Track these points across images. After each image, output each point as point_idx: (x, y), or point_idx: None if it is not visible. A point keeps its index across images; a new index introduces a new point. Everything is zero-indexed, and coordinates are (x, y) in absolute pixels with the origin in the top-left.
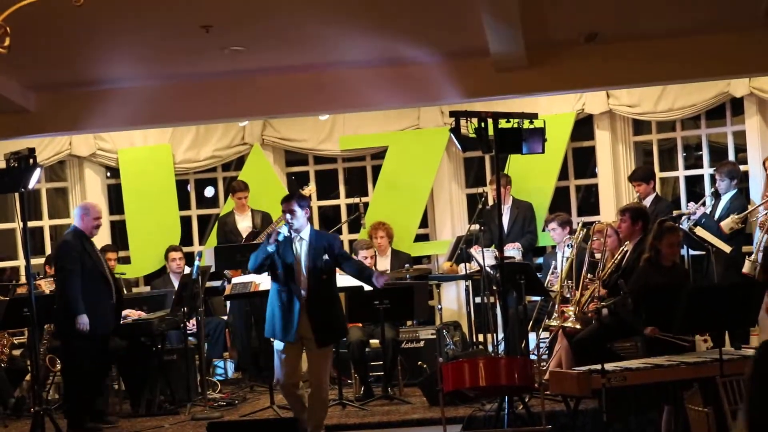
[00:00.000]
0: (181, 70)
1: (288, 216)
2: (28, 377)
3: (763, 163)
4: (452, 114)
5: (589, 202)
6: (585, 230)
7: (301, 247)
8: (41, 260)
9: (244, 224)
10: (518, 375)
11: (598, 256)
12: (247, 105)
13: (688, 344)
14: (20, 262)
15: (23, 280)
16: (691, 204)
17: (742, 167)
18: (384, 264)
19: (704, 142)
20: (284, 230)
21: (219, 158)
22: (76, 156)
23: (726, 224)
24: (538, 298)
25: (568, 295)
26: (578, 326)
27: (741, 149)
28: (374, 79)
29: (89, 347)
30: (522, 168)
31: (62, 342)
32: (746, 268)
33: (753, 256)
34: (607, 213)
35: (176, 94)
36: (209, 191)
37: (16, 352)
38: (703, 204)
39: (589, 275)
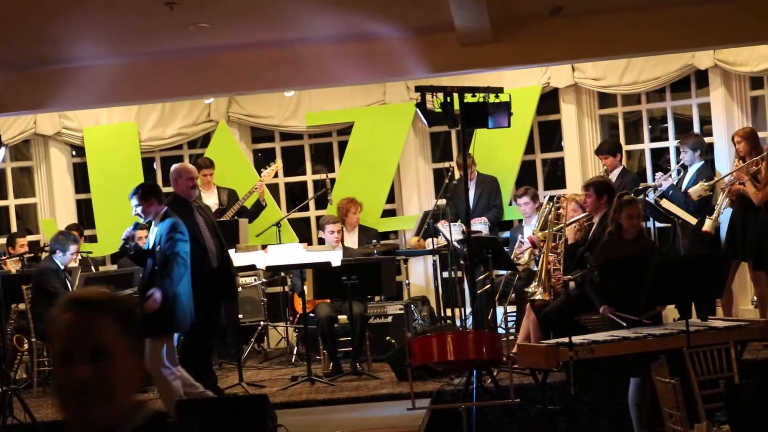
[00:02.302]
0: (146, 48)
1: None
2: None
3: (732, 138)
4: (418, 89)
5: (556, 175)
6: (552, 204)
7: (152, 236)
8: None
9: (210, 201)
10: (486, 349)
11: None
12: (213, 82)
13: (650, 322)
14: None
15: None
16: (659, 174)
17: (707, 139)
18: (352, 239)
19: (669, 114)
20: (128, 231)
21: (185, 136)
22: (41, 135)
23: (694, 191)
24: (504, 272)
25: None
26: (547, 298)
27: (706, 121)
28: (340, 55)
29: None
30: (488, 142)
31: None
32: (707, 227)
33: (714, 215)
34: (573, 186)
35: (141, 71)
36: None
37: None
38: (670, 176)
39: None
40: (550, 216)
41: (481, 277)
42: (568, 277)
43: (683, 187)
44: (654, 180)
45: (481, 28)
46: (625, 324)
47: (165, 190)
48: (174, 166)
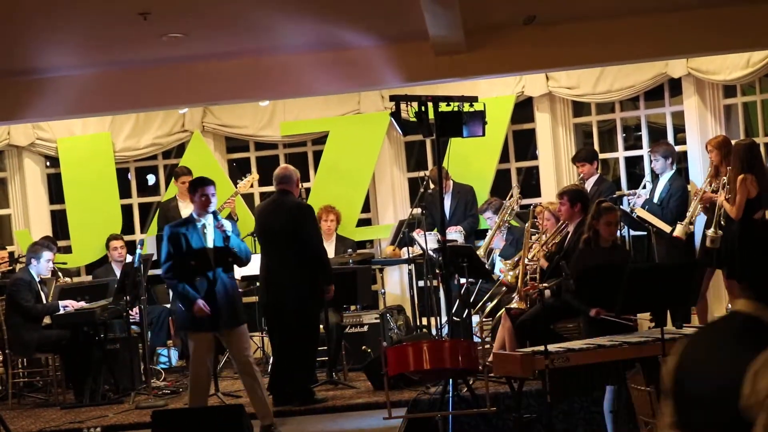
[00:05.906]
0: (120, 58)
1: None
2: None
3: (706, 147)
4: (392, 98)
5: (530, 184)
6: (515, 196)
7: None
8: None
9: (187, 211)
10: (462, 358)
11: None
12: (187, 92)
13: (632, 323)
14: None
15: None
16: (631, 192)
17: (681, 148)
18: (329, 249)
19: (643, 123)
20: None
21: (159, 146)
22: (15, 146)
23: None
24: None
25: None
26: (523, 307)
27: (680, 129)
28: (314, 65)
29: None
30: (463, 151)
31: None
32: (678, 232)
33: (685, 221)
34: (548, 195)
35: (115, 82)
36: (151, 179)
37: None
38: (644, 187)
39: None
40: (527, 225)
41: (464, 283)
42: (544, 285)
43: (656, 196)
44: (628, 189)
45: (455, 38)
46: (621, 321)
47: (139, 200)
48: (291, 168)
